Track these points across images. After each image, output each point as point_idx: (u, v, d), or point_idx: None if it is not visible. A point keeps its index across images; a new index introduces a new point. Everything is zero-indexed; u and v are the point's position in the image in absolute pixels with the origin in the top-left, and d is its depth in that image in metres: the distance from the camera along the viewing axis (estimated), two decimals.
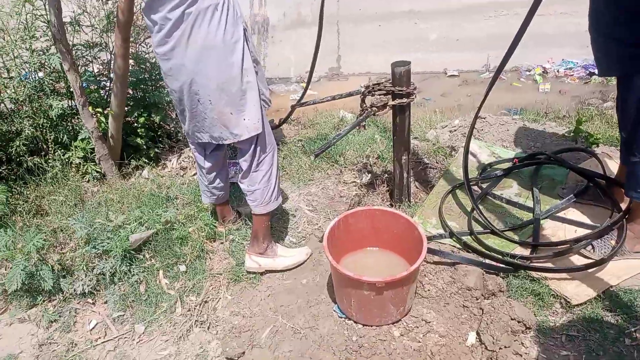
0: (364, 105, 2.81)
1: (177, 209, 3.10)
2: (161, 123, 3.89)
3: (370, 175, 3.36)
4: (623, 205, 2.65)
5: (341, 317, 2.35)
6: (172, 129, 4.08)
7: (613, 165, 3.03)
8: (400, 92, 2.68)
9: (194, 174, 3.63)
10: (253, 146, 2.44)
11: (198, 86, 2.24)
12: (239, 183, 2.62)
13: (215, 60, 2.18)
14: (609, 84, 5.91)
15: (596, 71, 6.64)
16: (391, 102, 2.73)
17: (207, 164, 2.71)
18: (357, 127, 2.96)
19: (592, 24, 2.39)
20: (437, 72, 6.90)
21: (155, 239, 2.88)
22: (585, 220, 2.72)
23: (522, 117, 3.84)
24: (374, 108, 2.72)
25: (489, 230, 2.72)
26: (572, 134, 3.41)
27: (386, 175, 3.33)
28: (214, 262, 2.83)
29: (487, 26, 7.10)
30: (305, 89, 3.70)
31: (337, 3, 7.61)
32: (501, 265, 2.47)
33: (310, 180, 3.48)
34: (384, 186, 3.28)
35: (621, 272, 2.38)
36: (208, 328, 2.50)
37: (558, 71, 6.79)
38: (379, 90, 2.77)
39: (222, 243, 2.95)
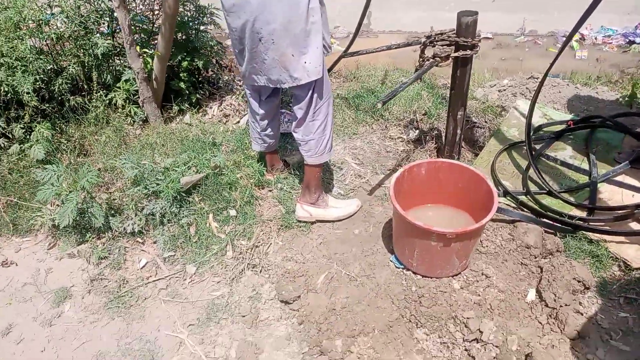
0: (424, 56, 2.73)
1: (224, 155, 3.07)
2: (202, 69, 3.81)
3: (417, 131, 3.31)
4: None
5: (398, 268, 2.35)
6: (214, 75, 4.00)
7: None
8: (465, 44, 2.60)
9: (237, 122, 3.58)
10: (310, 92, 2.37)
11: (261, 24, 2.15)
12: (292, 132, 2.56)
13: None
14: None
15: (637, 40, 6.42)
16: (454, 54, 2.64)
17: (261, 111, 2.65)
18: (420, 80, 2.88)
19: None
20: None
21: (204, 183, 2.86)
22: None
23: (573, 80, 3.75)
24: (437, 59, 2.64)
25: (545, 191, 2.69)
26: (627, 99, 3.33)
27: (435, 132, 3.28)
28: (264, 209, 2.82)
29: None
30: (353, 39, 3.59)
31: None
32: (560, 225, 2.45)
33: (354, 134, 3.43)
34: (432, 143, 3.24)
35: None
36: (260, 271, 2.51)
37: (596, 38, 6.59)
38: (442, 40, 2.68)
39: (270, 191, 2.93)
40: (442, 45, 2.68)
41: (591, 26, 6.67)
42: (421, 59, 2.74)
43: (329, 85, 2.48)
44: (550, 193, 2.65)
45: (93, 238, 2.76)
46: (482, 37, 7.27)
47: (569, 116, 3.28)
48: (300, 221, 2.72)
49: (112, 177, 3.06)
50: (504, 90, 3.60)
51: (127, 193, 2.83)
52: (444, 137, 3.06)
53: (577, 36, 6.61)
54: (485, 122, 3.37)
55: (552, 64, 2.45)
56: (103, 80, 3.42)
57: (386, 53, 3.12)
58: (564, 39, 7.06)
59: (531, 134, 2.70)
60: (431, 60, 2.63)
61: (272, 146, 2.87)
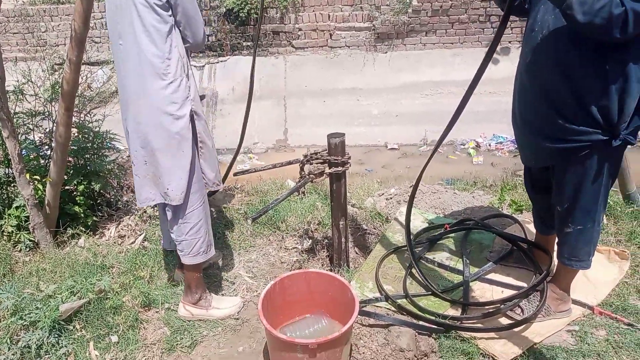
0: (303, 173, 2.95)
1: (112, 278, 3.03)
2: (101, 191, 3.86)
3: (311, 240, 3.43)
4: (545, 268, 2.83)
5: None
6: (112, 197, 4.05)
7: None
8: (336, 161, 2.84)
9: (132, 242, 3.58)
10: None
11: (136, 145, 2.44)
12: (169, 230, 2.65)
13: None
14: None
15: None
16: (327, 170, 2.87)
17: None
18: (297, 194, 3.07)
19: (517, 118, 2.48)
20: (378, 145, 7.25)
21: (87, 308, 2.78)
22: (511, 281, 2.87)
23: (453, 187, 4.09)
24: (312, 175, 2.86)
25: (423, 293, 2.82)
26: (498, 201, 3.65)
27: (326, 241, 3.42)
28: (148, 332, 2.75)
29: (424, 103, 7.62)
30: (234, 158, 3.84)
31: (284, 80, 7.99)
32: (432, 325, 2.55)
33: (251, 246, 3.51)
34: (324, 251, 3.36)
35: (543, 330, 2.51)
36: None
37: (490, 145, 7.27)
38: (317, 159, 2.91)
39: (157, 312, 2.89)
40: (317, 164, 2.92)
41: (485, 134, 7.39)
42: (300, 177, 2.95)
43: (202, 193, 2.61)
44: (432, 293, 2.78)
45: None
46: (389, 148, 7.79)
47: (448, 220, 3.53)
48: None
49: None
50: (391, 198, 3.86)
51: (2, 325, 2.70)
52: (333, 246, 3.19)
53: (472, 144, 7.27)
54: (374, 228, 3.57)
55: (421, 172, 2.66)
56: None
57: (292, 166, 3.29)
58: (462, 147, 7.70)
59: (412, 238, 2.87)
60: (306, 177, 2.84)
61: None
